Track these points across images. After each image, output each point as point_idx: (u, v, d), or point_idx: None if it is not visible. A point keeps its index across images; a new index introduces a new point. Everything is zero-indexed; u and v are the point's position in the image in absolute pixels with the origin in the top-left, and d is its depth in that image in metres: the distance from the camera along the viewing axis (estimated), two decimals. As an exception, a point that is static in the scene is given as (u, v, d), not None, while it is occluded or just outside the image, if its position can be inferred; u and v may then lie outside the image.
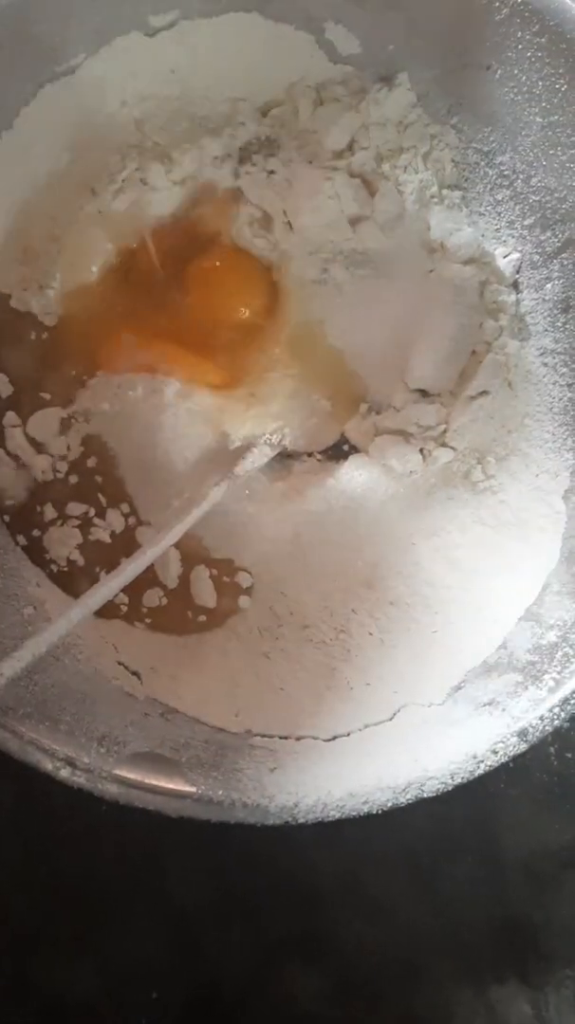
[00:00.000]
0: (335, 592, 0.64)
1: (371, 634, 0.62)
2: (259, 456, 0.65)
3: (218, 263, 0.68)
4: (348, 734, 0.58)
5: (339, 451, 0.68)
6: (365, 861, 0.63)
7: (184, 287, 0.67)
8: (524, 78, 0.62)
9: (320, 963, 0.63)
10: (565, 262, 0.66)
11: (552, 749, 0.64)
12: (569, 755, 0.64)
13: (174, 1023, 0.62)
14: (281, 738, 0.58)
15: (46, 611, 0.61)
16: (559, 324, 0.67)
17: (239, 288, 0.68)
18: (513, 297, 0.67)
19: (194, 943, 0.63)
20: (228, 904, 0.63)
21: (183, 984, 0.63)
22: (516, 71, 0.62)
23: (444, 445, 0.66)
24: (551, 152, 0.63)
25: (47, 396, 0.65)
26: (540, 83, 0.61)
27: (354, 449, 0.68)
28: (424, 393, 0.67)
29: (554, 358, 0.67)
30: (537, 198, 0.66)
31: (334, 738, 0.58)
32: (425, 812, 0.59)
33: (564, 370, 0.67)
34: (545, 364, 0.68)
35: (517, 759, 0.59)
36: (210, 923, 0.63)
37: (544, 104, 0.62)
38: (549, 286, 0.67)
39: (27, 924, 0.63)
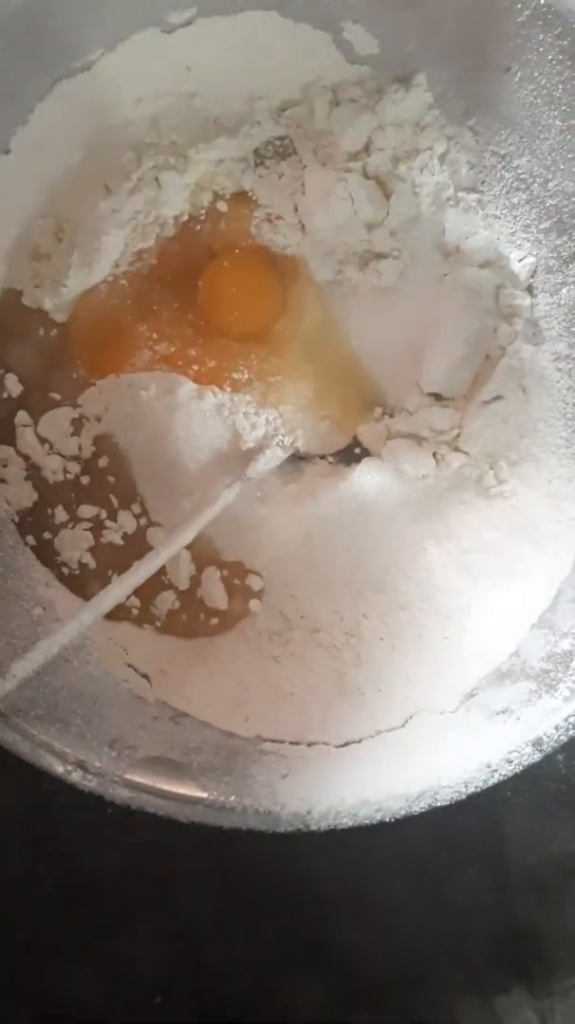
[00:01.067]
0: (346, 596, 0.63)
1: (382, 639, 0.62)
2: (271, 458, 0.64)
3: (228, 265, 0.67)
4: (360, 740, 0.57)
5: (351, 454, 0.67)
6: (370, 868, 0.63)
7: (198, 291, 0.66)
8: (544, 81, 0.61)
9: (325, 971, 0.63)
10: (581, 267, 0.66)
11: (560, 757, 0.64)
12: None
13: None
14: (292, 744, 0.57)
15: (56, 612, 0.60)
16: (574, 330, 0.66)
17: (250, 292, 0.67)
18: (528, 301, 0.67)
19: (198, 950, 0.63)
20: (233, 911, 0.63)
21: (187, 990, 0.62)
22: (536, 74, 0.62)
23: (457, 449, 0.66)
24: (570, 156, 0.63)
25: (57, 396, 0.64)
26: (560, 86, 0.61)
27: (366, 452, 0.67)
28: (438, 397, 0.66)
29: (568, 363, 0.67)
30: (554, 202, 0.66)
31: (346, 744, 0.57)
32: (431, 820, 0.58)
33: (579, 375, 0.66)
34: (559, 369, 0.67)
35: (525, 767, 0.59)
36: (215, 930, 0.63)
37: (564, 108, 0.61)
38: (564, 291, 0.67)
39: (31, 929, 0.62)
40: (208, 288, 0.66)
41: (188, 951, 0.62)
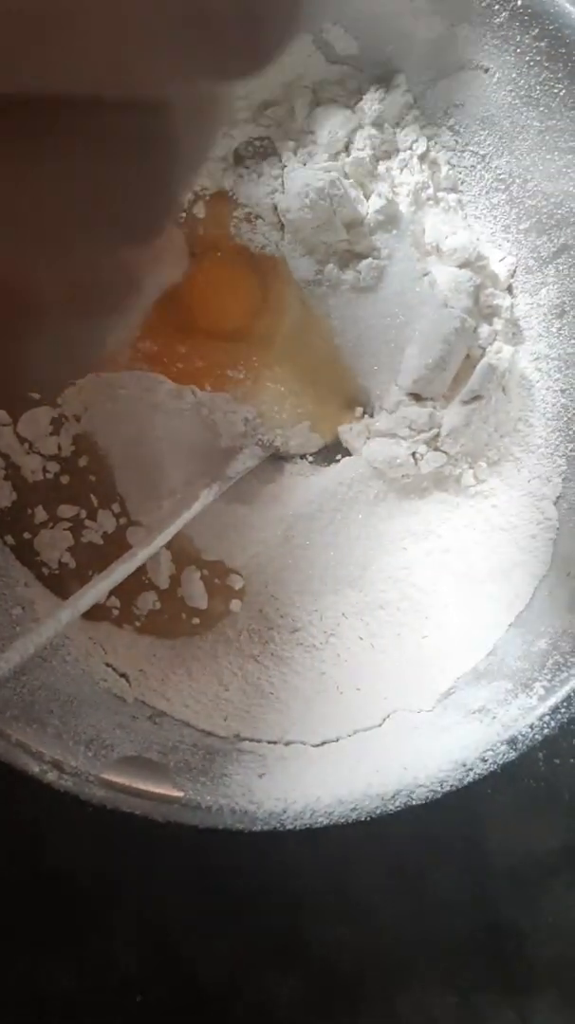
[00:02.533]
0: (325, 595, 0.63)
1: (361, 639, 0.62)
2: (250, 457, 0.64)
3: (209, 266, 0.67)
4: (337, 740, 0.57)
5: (331, 454, 0.67)
6: (349, 866, 0.63)
7: (181, 291, 0.66)
8: (522, 82, 0.62)
9: (303, 968, 0.63)
10: (560, 267, 0.66)
11: (540, 755, 0.64)
12: (557, 761, 0.64)
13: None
14: (270, 743, 0.57)
15: (35, 612, 0.60)
16: (554, 330, 0.67)
17: (231, 292, 0.67)
18: (508, 301, 0.67)
19: (177, 947, 0.63)
20: (211, 908, 0.63)
21: (166, 989, 0.62)
22: (514, 75, 0.62)
23: (436, 449, 0.66)
24: (548, 157, 0.63)
25: (36, 395, 0.64)
26: (538, 87, 0.61)
27: (346, 452, 0.67)
28: (417, 396, 0.66)
29: (548, 363, 0.67)
30: (533, 203, 0.66)
31: (323, 744, 0.57)
32: (410, 817, 0.58)
33: (558, 376, 0.66)
34: (539, 369, 0.67)
35: (504, 765, 0.59)
36: (193, 927, 0.63)
37: (542, 108, 0.62)
38: (544, 291, 0.67)
39: (8, 926, 0.62)
40: (190, 288, 0.66)
41: (166, 950, 0.63)
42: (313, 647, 0.62)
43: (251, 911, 0.63)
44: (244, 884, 0.63)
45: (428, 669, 0.60)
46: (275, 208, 0.67)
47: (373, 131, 0.66)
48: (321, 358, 0.67)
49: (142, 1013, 0.62)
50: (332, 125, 0.66)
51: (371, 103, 0.66)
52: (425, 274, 0.67)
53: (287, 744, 0.57)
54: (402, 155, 0.67)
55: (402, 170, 0.67)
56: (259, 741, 0.58)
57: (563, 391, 0.66)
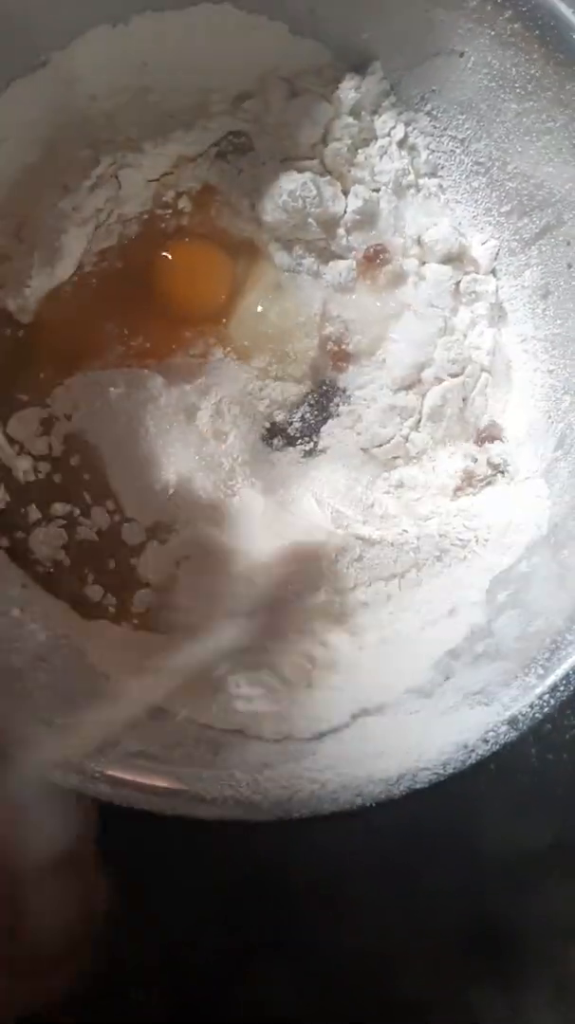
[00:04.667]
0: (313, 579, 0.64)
1: (350, 634, 0.63)
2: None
3: (175, 251, 0.67)
4: (335, 730, 0.58)
5: (316, 448, 0.68)
6: (342, 861, 0.63)
7: (150, 281, 0.66)
8: (497, 64, 0.62)
9: (297, 963, 0.63)
10: (543, 248, 0.66)
11: (533, 751, 0.64)
12: (550, 756, 0.64)
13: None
14: (269, 740, 0.58)
15: (33, 612, 0.60)
16: (539, 311, 0.67)
17: (200, 274, 0.68)
18: (492, 285, 0.67)
19: (171, 943, 0.63)
20: (204, 905, 0.63)
21: (162, 985, 0.62)
22: (489, 57, 0.62)
23: (419, 431, 0.66)
24: (526, 138, 0.64)
25: (25, 397, 0.64)
26: (514, 69, 0.61)
27: (334, 442, 0.68)
28: (402, 382, 0.67)
29: (534, 344, 0.67)
30: (513, 185, 0.66)
31: (320, 737, 0.57)
32: (404, 812, 0.59)
33: (544, 356, 0.67)
34: (525, 351, 0.68)
35: (498, 761, 0.59)
36: (186, 923, 0.63)
37: (518, 90, 0.62)
38: (527, 273, 0.67)
39: None
40: (158, 277, 0.66)
41: (162, 948, 0.62)
42: (309, 634, 0.62)
43: (246, 909, 0.63)
44: (239, 883, 0.63)
45: (420, 642, 0.61)
46: (252, 206, 0.67)
47: (350, 120, 0.66)
48: (293, 339, 0.67)
49: (137, 1010, 0.62)
50: (309, 116, 0.66)
51: (347, 91, 0.66)
52: (406, 271, 0.67)
53: (280, 741, 0.57)
54: (380, 142, 0.67)
55: (381, 157, 0.67)
56: (259, 738, 0.58)
57: (550, 371, 0.66)
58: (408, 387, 0.66)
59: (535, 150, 0.63)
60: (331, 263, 0.67)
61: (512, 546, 0.63)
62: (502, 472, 0.67)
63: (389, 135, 0.67)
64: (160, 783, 0.52)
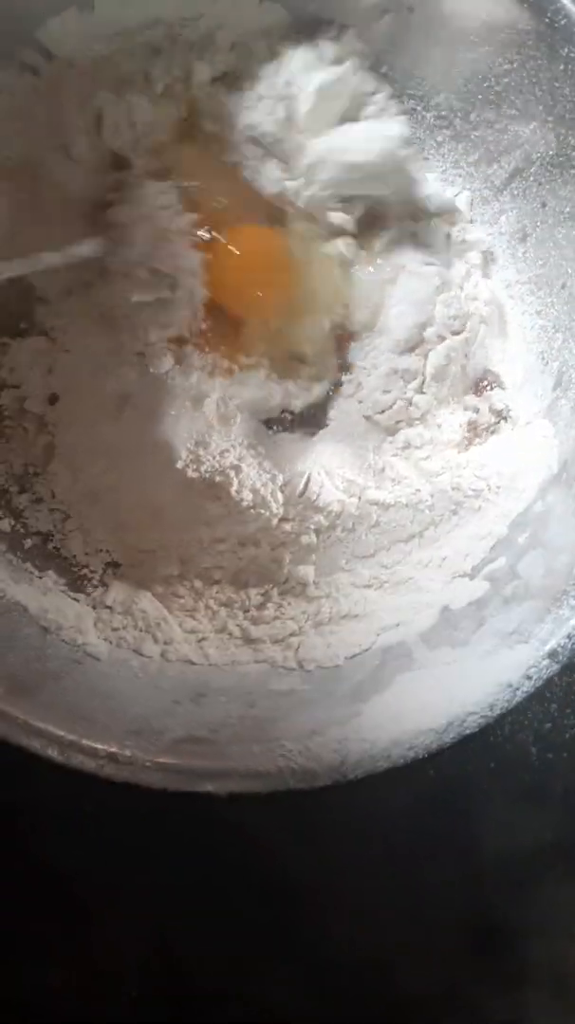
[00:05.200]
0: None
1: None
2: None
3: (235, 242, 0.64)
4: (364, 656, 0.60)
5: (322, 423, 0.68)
6: (342, 860, 0.63)
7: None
8: (448, 10, 0.62)
9: (296, 963, 0.63)
10: (515, 192, 0.66)
11: (533, 749, 0.64)
12: (550, 755, 0.64)
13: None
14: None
15: None
16: (519, 254, 0.67)
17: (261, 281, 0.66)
18: (481, 232, 0.67)
19: (172, 944, 0.63)
20: (204, 904, 0.63)
21: (162, 985, 0.63)
22: (437, 10, 0.62)
23: (423, 392, 0.67)
24: (485, 85, 0.64)
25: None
26: (463, 17, 0.61)
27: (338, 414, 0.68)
28: (405, 344, 0.67)
29: (519, 288, 0.67)
30: (478, 133, 0.66)
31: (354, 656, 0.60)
32: (404, 811, 0.60)
33: (531, 299, 0.67)
34: (511, 296, 0.68)
35: (498, 759, 0.61)
36: (189, 925, 0.63)
37: (472, 37, 0.62)
38: (503, 218, 0.67)
39: (4, 925, 0.62)
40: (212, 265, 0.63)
41: (162, 947, 0.63)
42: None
43: (248, 908, 0.63)
44: (240, 882, 0.63)
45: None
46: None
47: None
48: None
49: (137, 1010, 0.62)
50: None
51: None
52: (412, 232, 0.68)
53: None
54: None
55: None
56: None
57: (538, 312, 0.66)
58: (411, 349, 0.66)
59: (495, 95, 0.63)
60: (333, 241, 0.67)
61: (525, 489, 0.63)
62: (505, 418, 0.67)
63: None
64: (212, 764, 0.52)
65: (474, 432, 0.67)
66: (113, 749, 0.52)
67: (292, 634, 0.62)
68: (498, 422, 0.67)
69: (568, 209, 0.63)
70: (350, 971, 0.63)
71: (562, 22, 0.58)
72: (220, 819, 0.58)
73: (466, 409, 0.67)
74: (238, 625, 0.62)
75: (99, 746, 0.52)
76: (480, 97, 0.64)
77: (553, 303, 0.66)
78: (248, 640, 0.61)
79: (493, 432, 0.67)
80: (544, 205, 0.65)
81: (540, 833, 0.65)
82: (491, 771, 0.57)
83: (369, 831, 0.62)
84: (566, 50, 0.58)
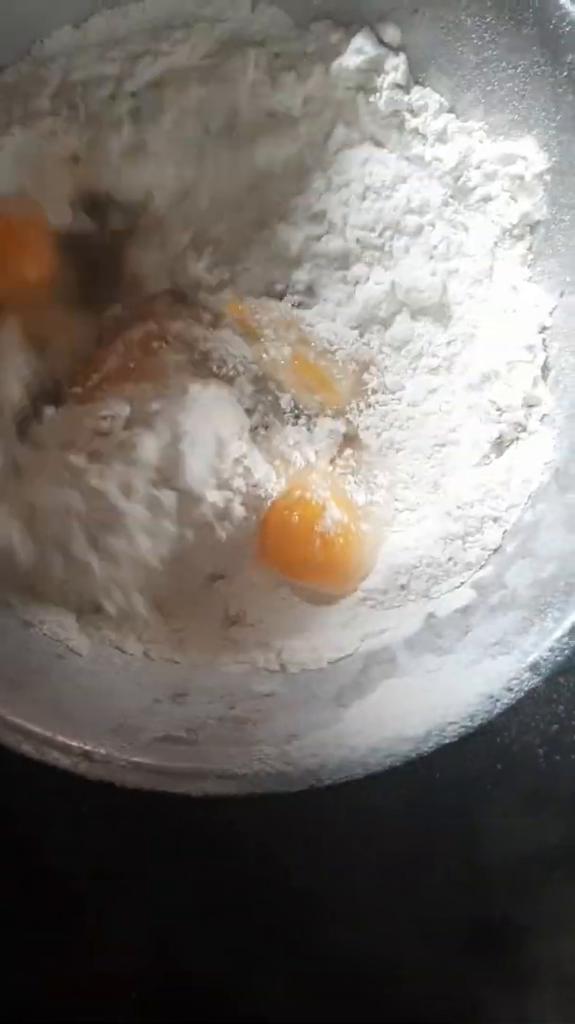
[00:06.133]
0: None
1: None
2: None
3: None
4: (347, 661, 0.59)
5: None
6: (345, 861, 0.63)
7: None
8: (451, 16, 0.62)
9: (298, 965, 0.63)
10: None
11: (540, 751, 0.64)
12: (557, 757, 0.64)
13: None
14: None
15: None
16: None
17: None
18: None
19: (174, 945, 0.63)
20: (206, 907, 0.63)
21: (163, 986, 0.63)
22: (442, 11, 0.62)
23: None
24: (488, 89, 0.63)
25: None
26: (468, 20, 0.61)
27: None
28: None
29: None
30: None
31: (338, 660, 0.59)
32: (408, 812, 0.59)
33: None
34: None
35: (505, 761, 0.61)
36: (191, 925, 0.63)
37: (475, 40, 0.62)
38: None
39: (5, 926, 0.62)
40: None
41: (164, 948, 0.62)
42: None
43: (249, 909, 0.63)
44: (242, 883, 0.63)
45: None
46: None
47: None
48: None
49: (139, 1011, 0.62)
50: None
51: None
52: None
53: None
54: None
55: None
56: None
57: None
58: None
59: (498, 98, 0.63)
60: None
61: (517, 498, 0.63)
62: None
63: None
64: (188, 765, 0.52)
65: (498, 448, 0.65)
66: (88, 747, 0.52)
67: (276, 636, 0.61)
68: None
69: (568, 217, 0.62)
70: (354, 972, 0.63)
71: (566, 29, 0.58)
72: (221, 820, 0.58)
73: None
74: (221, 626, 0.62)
75: (74, 743, 0.51)
76: (483, 101, 0.64)
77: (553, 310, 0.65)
78: (231, 641, 0.61)
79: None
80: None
81: (545, 834, 0.65)
82: (497, 773, 0.57)
83: (373, 832, 0.62)
84: (570, 57, 0.58)
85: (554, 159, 0.61)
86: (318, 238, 0.66)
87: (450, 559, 0.62)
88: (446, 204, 0.65)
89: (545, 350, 0.64)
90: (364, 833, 0.62)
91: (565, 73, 0.59)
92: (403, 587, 0.62)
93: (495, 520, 0.62)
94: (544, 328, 0.64)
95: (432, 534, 0.63)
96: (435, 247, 0.65)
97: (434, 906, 0.64)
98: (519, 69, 0.61)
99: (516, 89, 0.62)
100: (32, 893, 0.62)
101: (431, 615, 0.61)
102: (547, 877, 0.65)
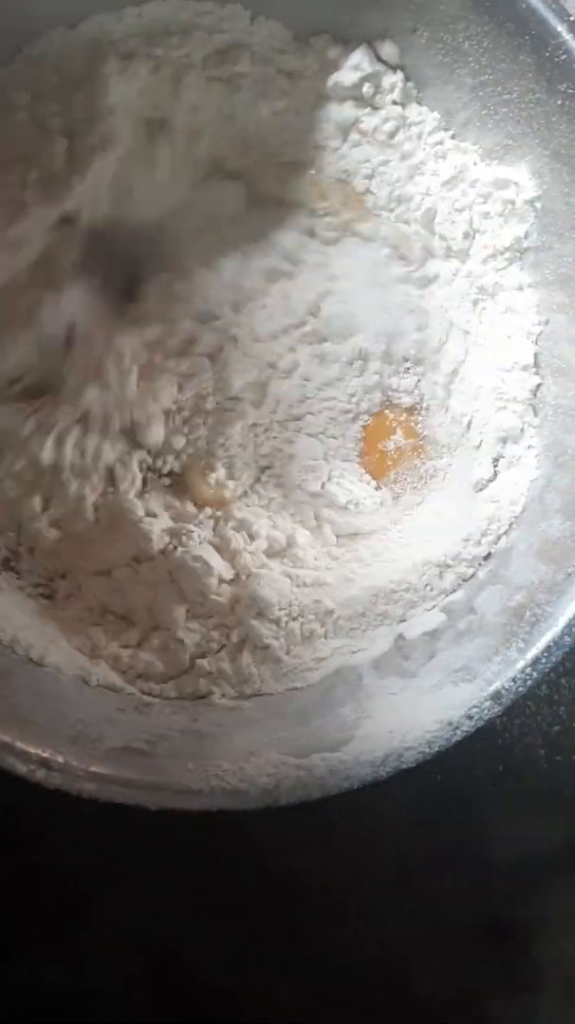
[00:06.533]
0: None
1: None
2: None
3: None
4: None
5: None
6: (351, 863, 0.63)
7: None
8: (450, 39, 0.61)
9: (304, 966, 0.63)
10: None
11: (542, 752, 0.64)
12: (559, 758, 0.64)
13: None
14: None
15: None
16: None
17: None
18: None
19: (177, 946, 0.63)
20: (208, 906, 0.63)
21: (167, 987, 0.63)
22: (442, 33, 0.62)
23: None
24: (483, 113, 0.63)
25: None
26: (466, 43, 0.61)
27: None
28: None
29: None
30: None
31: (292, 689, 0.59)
32: (413, 813, 0.59)
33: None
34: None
35: (507, 762, 0.61)
36: (193, 926, 0.63)
37: (472, 64, 0.61)
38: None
39: (7, 926, 0.62)
40: None
41: (167, 949, 0.63)
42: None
43: (252, 909, 0.63)
44: (244, 882, 0.63)
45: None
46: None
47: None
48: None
49: (143, 1012, 0.62)
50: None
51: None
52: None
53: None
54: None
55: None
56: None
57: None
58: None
59: (493, 123, 0.63)
60: None
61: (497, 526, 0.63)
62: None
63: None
64: (144, 777, 0.52)
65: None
66: (46, 754, 0.51)
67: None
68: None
69: (557, 246, 0.62)
70: (359, 974, 0.63)
71: (562, 57, 0.57)
72: (227, 821, 0.57)
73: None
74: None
75: (32, 750, 0.51)
76: (478, 124, 0.64)
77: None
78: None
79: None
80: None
81: (549, 835, 0.65)
82: (499, 774, 0.57)
83: (376, 834, 0.62)
84: (563, 85, 0.58)
85: (545, 186, 0.61)
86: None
87: (427, 585, 0.62)
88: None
89: (537, 375, 0.64)
90: (368, 835, 0.62)
91: (559, 101, 0.58)
92: (381, 614, 0.62)
93: (476, 545, 0.62)
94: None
95: (414, 559, 0.63)
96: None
97: (439, 907, 0.64)
98: (514, 95, 0.61)
99: (511, 114, 0.61)
100: (38, 893, 0.63)
101: (401, 636, 0.61)
102: (552, 878, 0.65)
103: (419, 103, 0.66)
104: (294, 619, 0.61)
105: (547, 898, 0.65)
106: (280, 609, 0.61)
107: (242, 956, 0.63)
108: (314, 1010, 0.63)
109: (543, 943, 0.65)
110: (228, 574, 0.61)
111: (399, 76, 0.65)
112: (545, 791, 0.65)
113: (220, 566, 0.61)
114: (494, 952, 0.64)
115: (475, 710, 0.52)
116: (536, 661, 0.53)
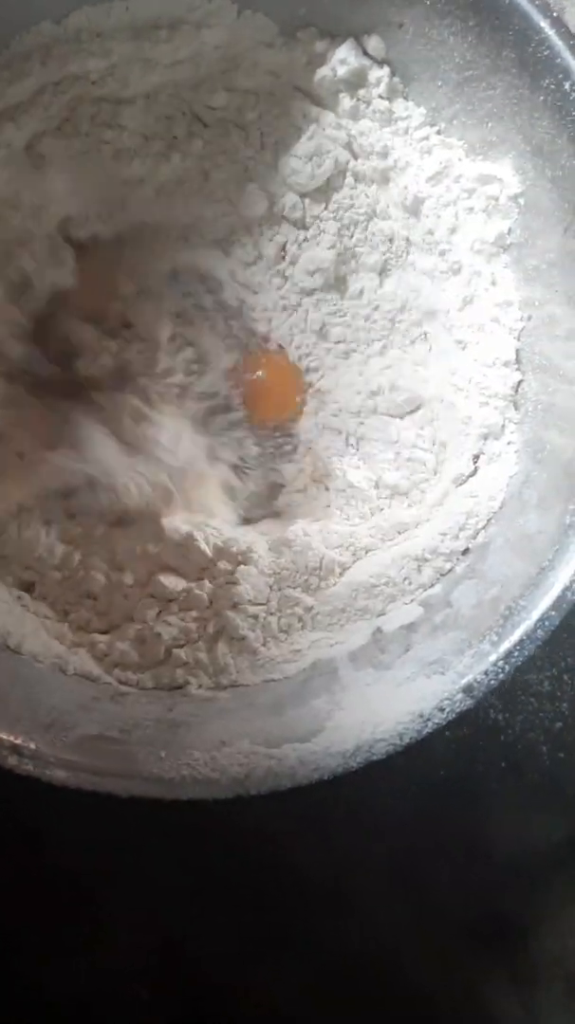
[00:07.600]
0: None
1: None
2: None
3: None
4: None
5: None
6: (351, 859, 0.64)
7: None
8: (435, 34, 0.61)
9: (305, 960, 0.63)
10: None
11: (544, 748, 0.64)
12: (561, 755, 0.64)
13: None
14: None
15: None
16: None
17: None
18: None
19: (181, 944, 0.63)
20: (211, 903, 0.63)
21: (171, 985, 0.63)
22: (427, 28, 0.62)
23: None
24: (469, 108, 0.63)
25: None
26: (451, 38, 0.61)
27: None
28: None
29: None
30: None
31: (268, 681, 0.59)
32: (414, 808, 0.59)
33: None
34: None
35: (509, 758, 0.61)
36: (196, 924, 0.63)
37: (457, 59, 0.62)
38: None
39: (9, 926, 0.63)
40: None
41: (171, 947, 0.63)
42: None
43: (254, 907, 0.63)
44: (247, 880, 0.63)
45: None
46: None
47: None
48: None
49: (148, 1010, 0.62)
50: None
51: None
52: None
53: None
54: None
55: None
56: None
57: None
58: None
59: (478, 118, 0.63)
60: None
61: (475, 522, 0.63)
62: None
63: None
64: (115, 765, 0.52)
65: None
66: (18, 741, 0.51)
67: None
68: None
69: (540, 242, 0.62)
70: (360, 968, 0.63)
71: (545, 53, 0.57)
72: (229, 815, 0.58)
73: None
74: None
75: (4, 736, 0.51)
76: (463, 120, 0.64)
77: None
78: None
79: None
80: (520, 235, 0.64)
81: (551, 831, 0.65)
82: (502, 770, 0.56)
83: (379, 829, 0.62)
84: (546, 81, 0.58)
85: (528, 182, 0.61)
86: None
87: (406, 579, 0.62)
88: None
89: (519, 371, 0.64)
90: (370, 829, 0.62)
91: (542, 97, 0.58)
92: (361, 609, 0.62)
93: (454, 540, 0.62)
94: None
95: (393, 553, 0.63)
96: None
97: (440, 902, 0.64)
98: (498, 90, 0.61)
99: (495, 110, 0.61)
100: (38, 889, 0.63)
101: (378, 629, 0.61)
102: (552, 874, 0.65)
103: (405, 98, 0.65)
104: (271, 614, 0.61)
105: (548, 894, 0.65)
106: (256, 604, 0.61)
107: (245, 951, 0.63)
108: (315, 1003, 0.63)
109: (544, 938, 0.65)
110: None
111: (385, 71, 0.65)
112: (547, 787, 0.65)
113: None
114: (494, 947, 0.64)
115: (447, 702, 0.52)
116: (508, 655, 0.53)
